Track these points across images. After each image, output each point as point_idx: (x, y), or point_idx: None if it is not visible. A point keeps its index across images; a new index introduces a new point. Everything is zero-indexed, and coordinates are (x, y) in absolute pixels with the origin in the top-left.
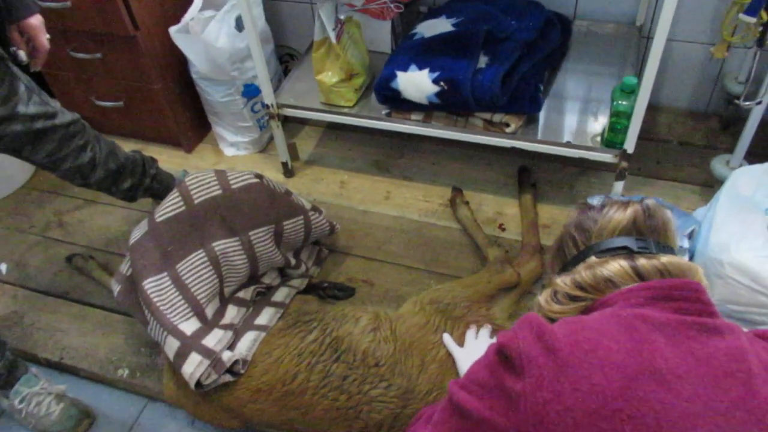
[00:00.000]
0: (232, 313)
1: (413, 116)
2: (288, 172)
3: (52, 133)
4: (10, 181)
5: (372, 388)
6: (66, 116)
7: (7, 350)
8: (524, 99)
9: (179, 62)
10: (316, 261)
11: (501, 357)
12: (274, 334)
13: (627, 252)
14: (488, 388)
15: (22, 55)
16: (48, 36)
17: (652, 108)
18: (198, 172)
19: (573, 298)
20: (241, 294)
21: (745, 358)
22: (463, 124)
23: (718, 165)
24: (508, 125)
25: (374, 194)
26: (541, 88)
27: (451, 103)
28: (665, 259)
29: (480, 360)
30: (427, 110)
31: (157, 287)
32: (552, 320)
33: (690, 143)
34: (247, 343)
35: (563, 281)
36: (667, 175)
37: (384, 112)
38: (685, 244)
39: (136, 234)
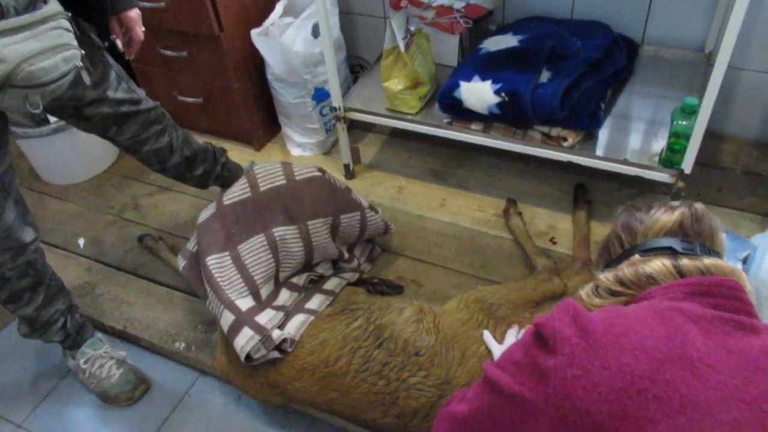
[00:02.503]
0: (284, 296)
1: (473, 126)
2: (349, 174)
3: (135, 117)
4: (95, 164)
5: (410, 376)
6: (149, 103)
7: (77, 313)
8: (584, 115)
9: (257, 64)
10: (369, 258)
11: (536, 337)
12: (322, 318)
13: (671, 252)
14: (521, 366)
15: (120, 44)
16: (143, 29)
17: (717, 136)
18: (266, 162)
19: (614, 293)
20: (294, 280)
21: None
22: (521, 136)
23: None
24: (566, 139)
25: (430, 200)
26: (603, 106)
27: (511, 114)
28: (708, 261)
29: (517, 342)
30: (487, 121)
31: (218, 264)
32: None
33: (754, 173)
34: (296, 324)
35: (606, 276)
36: (727, 203)
37: (445, 120)
38: (739, 267)
39: (204, 215)
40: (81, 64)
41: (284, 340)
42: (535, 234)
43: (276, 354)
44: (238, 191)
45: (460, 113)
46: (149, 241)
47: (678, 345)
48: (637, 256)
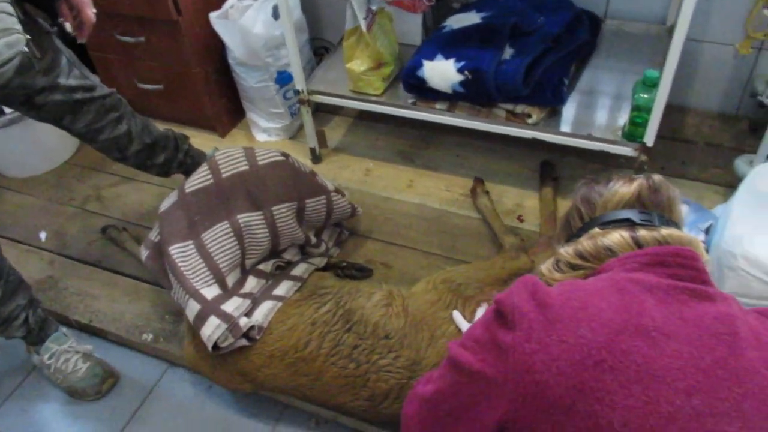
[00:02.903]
0: (251, 284)
1: (438, 105)
2: (315, 158)
3: (90, 104)
4: (55, 156)
5: (380, 358)
6: (103, 90)
7: (39, 308)
8: (547, 91)
9: (217, 48)
10: (337, 242)
11: (496, 313)
12: (290, 304)
13: (630, 224)
14: (482, 343)
15: (68, 26)
16: (94, 10)
17: (680, 109)
18: (228, 148)
19: (574, 267)
20: (261, 266)
21: (734, 323)
22: (486, 114)
23: (741, 164)
24: (530, 116)
25: (397, 182)
26: (566, 81)
27: (474, 92)
28: (666, 231)
29: (479, 319)
30: (452, 100)
31: (182, 253)
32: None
33: (717, 145)
34: (264, 311)
35: (566, 251)
36: (691, 175)
37: (410, 101)
38: (701, 238)
39: (166, 203)
40: (26, 49)
41: (252, 328)
42: (502, 212)
43: (244, 342)
44: (200, 178)
45: (424, 93)
46: (113, 232)
47: (634, 315)
48: (596, 229)
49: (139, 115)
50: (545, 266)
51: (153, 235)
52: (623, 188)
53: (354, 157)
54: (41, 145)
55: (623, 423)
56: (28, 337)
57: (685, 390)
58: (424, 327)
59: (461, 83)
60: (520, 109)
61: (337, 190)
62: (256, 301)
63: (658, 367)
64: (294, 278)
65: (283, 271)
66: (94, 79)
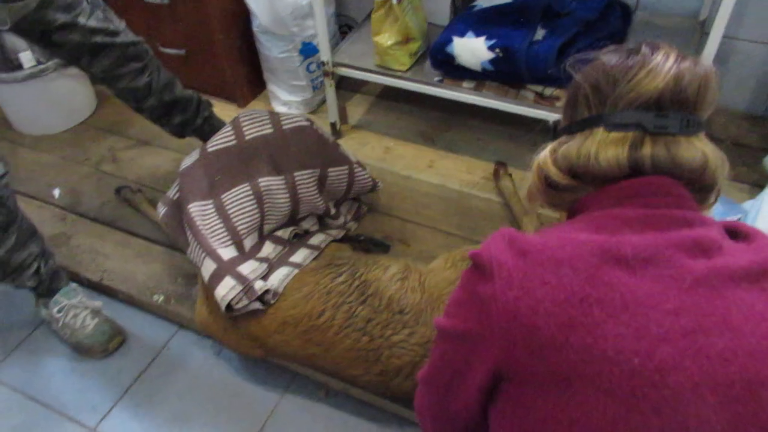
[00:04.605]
0: (268, 249)
1: (465, 84)
2: (336, 133)
3: (110, 49)
4: (71, 116)
5: (394, 334)
6: (128, 37)
7: (52, 259)
8: None
9: (243, 15)
10: (355, 216)
11: (473, 268)
12: (306, 272)
13: (641, 130)
14: (462, 303)
15: None
16: None
17: None
18: (253, 110)
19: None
20: (279, 233)
21: (713, 242)
22: (514, 95)
23: None
24: (558, 99)
25: (418, 162)
26: None
27: (504, 71)
28: (676, 149)
29: (458, 284)
30: (480, 79)
31: (201, 212)
32: (548, 183)
33: (744, 145)
34: (279, 276)
35: (564, 153)
36: None
37: (436, 78)
38: None
39: (187, 162)
40: None
41: (266, 291)
42: (525, 198)
43: (258, 305)
44: (223, 139)
45: (451, 70)
46: (127, 193)
47: (614, 247)
48: (600, 129)
49: (167, 72)
50: (543, 154)
51: (172, 193)
52: (646, 82)
53: (374, 135)
54: (58, 104)
55: (617, 351)
56: (39, 288)
57: (672, 311)
58: (440, 305)
59: (491, 61)
60: (549, 91)
61: (360, 163)
62: (272, 266)
63: (641, 294)
64: (311, 247)
65: (300, 239)
66: (120, 25)
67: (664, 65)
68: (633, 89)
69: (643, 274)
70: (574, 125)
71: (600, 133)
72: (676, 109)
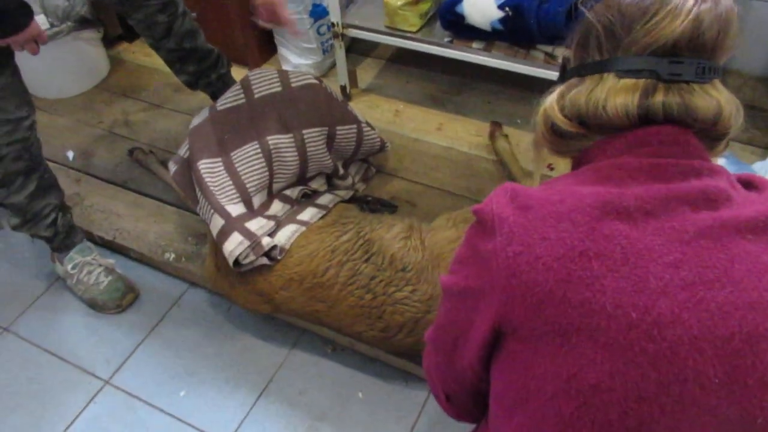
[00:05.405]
0: (276, 207)
1: (475, 45)
2: (346, 96)
3: None
4: (84, 80)
5: (397, 291)
6: None
7: (69, 214)
8: None
9: None
10: (363, 177)
11: (475, 225)
12: (312, 230)
13: (654, 77)
14: (464, 260)
15: None
16: None
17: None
18: (262, 69)
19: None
20: (287, 192)
21: (720, 191)
22: (523, 56)
23: None
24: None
25: (427, 125)
26: None
27: (514, 30)
28: (689, 98)
29: (461, 241)
30: (490, 39)
31: (210, 169)
32: (554, 131)
33: (758, 108)
34: (286, 233)
35: (572, 100)
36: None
37: (446, 39)
38: None
39: (197, 120)
40: None
41: (273, 248)
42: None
43: (265, 261)
44: (232, 97)
45: (461, 30)
46: (140, 154)
47: (615, 199)
48: (611, 77)
49: (193, 22)
50: (550, 99)
51: (182, 151)
52: (663, 25)
53: (384, 98)
54: (72, 68)
55: (615, 305)
56: (54, 241)
57: (672, 263)
58: (442, 263)
59: (501, 20)
60: (559, 51)
61: (368, 124)
62: (279, 223)
63: (642, 246)
64: (319, 206)
65: (308, 198)
66: None
67: (684, 5)
68: (649, 33)
69: (645, 227)
70: (584, 68)
71: (610, 78)
72: (692, 55)
